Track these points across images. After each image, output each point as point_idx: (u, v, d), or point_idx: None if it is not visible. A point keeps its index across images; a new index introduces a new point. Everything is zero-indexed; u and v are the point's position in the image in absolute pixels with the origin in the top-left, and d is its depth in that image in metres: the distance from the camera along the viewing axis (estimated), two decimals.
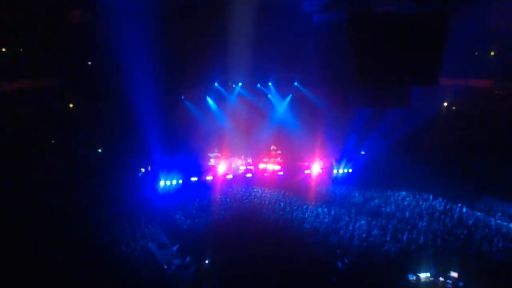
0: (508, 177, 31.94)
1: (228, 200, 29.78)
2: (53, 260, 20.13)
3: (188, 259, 21.02)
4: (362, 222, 25.77)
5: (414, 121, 35.42)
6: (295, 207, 28.21)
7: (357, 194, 31.63)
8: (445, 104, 41.51)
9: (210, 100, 36.01)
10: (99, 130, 31.79)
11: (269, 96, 38.15)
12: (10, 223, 22.94)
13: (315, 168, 36.16)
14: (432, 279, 19.68)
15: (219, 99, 36.31)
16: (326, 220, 26.13)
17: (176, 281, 19.90)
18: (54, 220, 23.92)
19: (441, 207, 29.13)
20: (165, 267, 20.74)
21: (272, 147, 36.68)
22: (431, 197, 31.08)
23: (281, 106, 38.44)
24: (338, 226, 25.13)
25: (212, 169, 34.51)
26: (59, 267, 19.70)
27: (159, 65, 29.11)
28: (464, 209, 29.03)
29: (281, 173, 35.84)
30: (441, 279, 19.66)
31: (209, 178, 33.74)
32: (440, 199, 30.79)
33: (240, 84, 36.64)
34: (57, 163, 29.71)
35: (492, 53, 37.19)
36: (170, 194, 30.87)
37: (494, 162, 34.21)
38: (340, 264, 20.52)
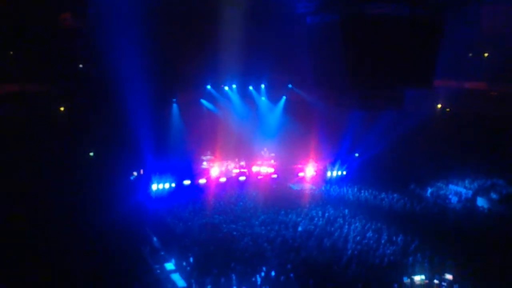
0: (504, 179, 32.04)
1: (221, 203, 29.56)
2: (45, 264, 19.99)
3: (181, 263, 20.86)
4: (357, 224, 25.67)
5: (408, 123, 35.43)
6: (289, 210, 28.04)
7: (351, 197, 31.53)
8: (439, 106, 41.60)
9: (205, 102, 35.90)
10: (90, 133, 31.54)
11: (262, 98, 38.10)
12: (2, 228, 22.72)
13: (309, 171, 36.01)
14: (427, 281, 19.62)
15: (212, 101, 36.22)
16: (320, 222, 25.98)
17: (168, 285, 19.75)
18: (46, 223, 23.76)
19: (436, 209, 29.15)
20: (158, 271, 20.55)
21: (265, 149, 36.48)
22: (425, 198, 31.08)
23: (275, 108, 38.39)
24: (333, 228, 25.00)
25: (205, 172, 34.27)
26: (51, 270, 19.56)
27: (151, 69, 28.99)
28: (459, 211, 29.11)
29: (275, 175, 35.65)
30: (436, 281, 19.59)
31: (202, 181, 33.50)
32: (435, 200, 30.82)
33: (234, 86, 36.58)
34: (48, 167, 29.47)
35: (486, 55, 37.30)
36: (163, 197, 30.61)
37: (490, 164, 34.28)
38: (335, 268, 20.35)
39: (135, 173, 31.90)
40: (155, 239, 23.69)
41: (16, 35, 28.80)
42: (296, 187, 34.38)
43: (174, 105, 35.05)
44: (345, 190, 32.74)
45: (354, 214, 27.48)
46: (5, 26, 28.16)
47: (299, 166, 36.44)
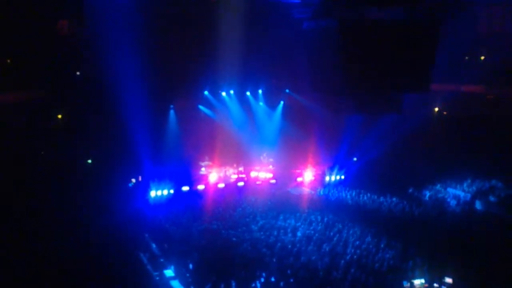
0: (502, 181, 32.02)
1: (220, 209, 29.50)
2: (43, 273, 19.90)
3: (181, 269, 20.80)
4: (356, 228, 25.62)
5: (405, 127, 35.46)
6: (288, 215, 27.98)
7: (350, 201, 31.51)
8: (436, 109, 41.69)
9: (203, 108, 35.93)
10: (88, 140, 31.50)
11: (260, 103, 38.12)
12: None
13: (308, 175, 35.97)
14: (426, 285, 19.59)
15: (210, 107, 36.24)
16: (319, 227, 25.94)
17: None
18: (44, 230, 23.63)
19: (435, 213, 29.14)
20: (157, 278, 20.49)
21: (264, 154, 36.47)
22: (424, 202, 31.07)
23: (273, 114, 38.41)
24: (332, 233, 24.96)
25: (204, 178, 34.20)
26: (50, 278, 19.48)
27: (148, 75, 28.98)
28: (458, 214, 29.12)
29: (273, 181, 35.59)
30: (435, 285, 19.56)
31: (200, 187, 33.44)
32: (433, 203, 30.80)
33: (232, 92, 36.59)
34: (46, 174, 29.40)
35: (482, 58, 37.45)
36: (162, 204, 30.54)
37: (488, 166, 34.29)
38: (334, 273, 20.30)
39: (133, 180, 31.83)
40: (154, 245, 23.62)
41: (13, 42, 28.78)
42: (294, 192, 34.35)
43: (172, 111, 35.06)
44: (343, 195, 32.71)
45: (353, 219, 27.43)
46: (2, 34, 28.14)
47: (298, 171, 36.38)
